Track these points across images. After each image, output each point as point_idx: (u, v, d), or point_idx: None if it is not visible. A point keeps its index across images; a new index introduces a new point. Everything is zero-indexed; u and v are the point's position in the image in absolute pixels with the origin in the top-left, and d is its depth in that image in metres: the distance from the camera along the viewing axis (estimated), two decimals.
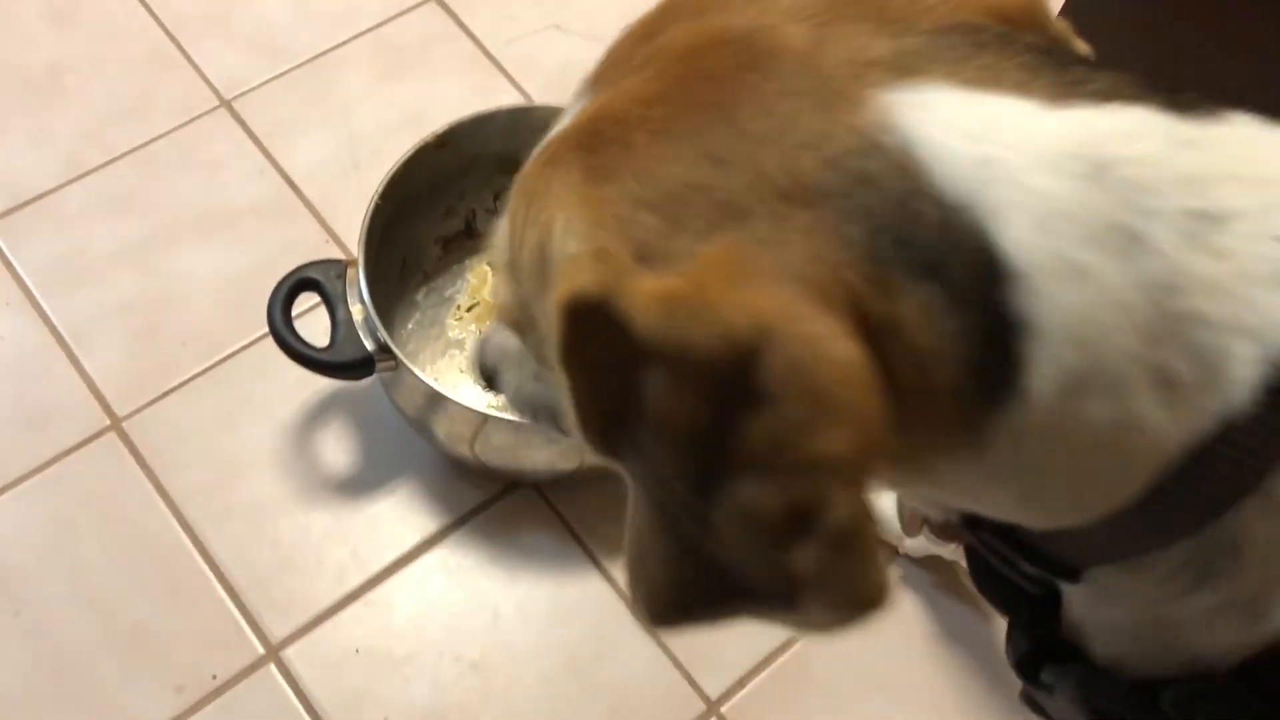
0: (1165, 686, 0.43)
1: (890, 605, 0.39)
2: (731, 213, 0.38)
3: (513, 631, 1.15)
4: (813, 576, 0.38)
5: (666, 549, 0.45)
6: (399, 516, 1.20)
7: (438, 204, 1.28)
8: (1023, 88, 0.38)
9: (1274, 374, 0.37)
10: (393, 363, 1.10)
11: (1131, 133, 0.37)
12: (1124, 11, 1.20)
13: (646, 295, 0.37)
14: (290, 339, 1.09)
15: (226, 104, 1.41)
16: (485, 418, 1.09)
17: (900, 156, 0.37)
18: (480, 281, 1.32)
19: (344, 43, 1.47)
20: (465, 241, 1.33)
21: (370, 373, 1.10)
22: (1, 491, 1.17)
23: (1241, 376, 0.37)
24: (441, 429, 1.15)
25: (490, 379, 0.67)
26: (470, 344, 1.28)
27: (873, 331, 0.37)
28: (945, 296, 0.37)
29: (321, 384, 1.22)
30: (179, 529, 1.16)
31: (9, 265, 1.28)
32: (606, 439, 0.43)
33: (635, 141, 0.40)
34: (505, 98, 1.44)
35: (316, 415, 1.24)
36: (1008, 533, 0.45)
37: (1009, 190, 0.36)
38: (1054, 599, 0.47)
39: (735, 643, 1.14)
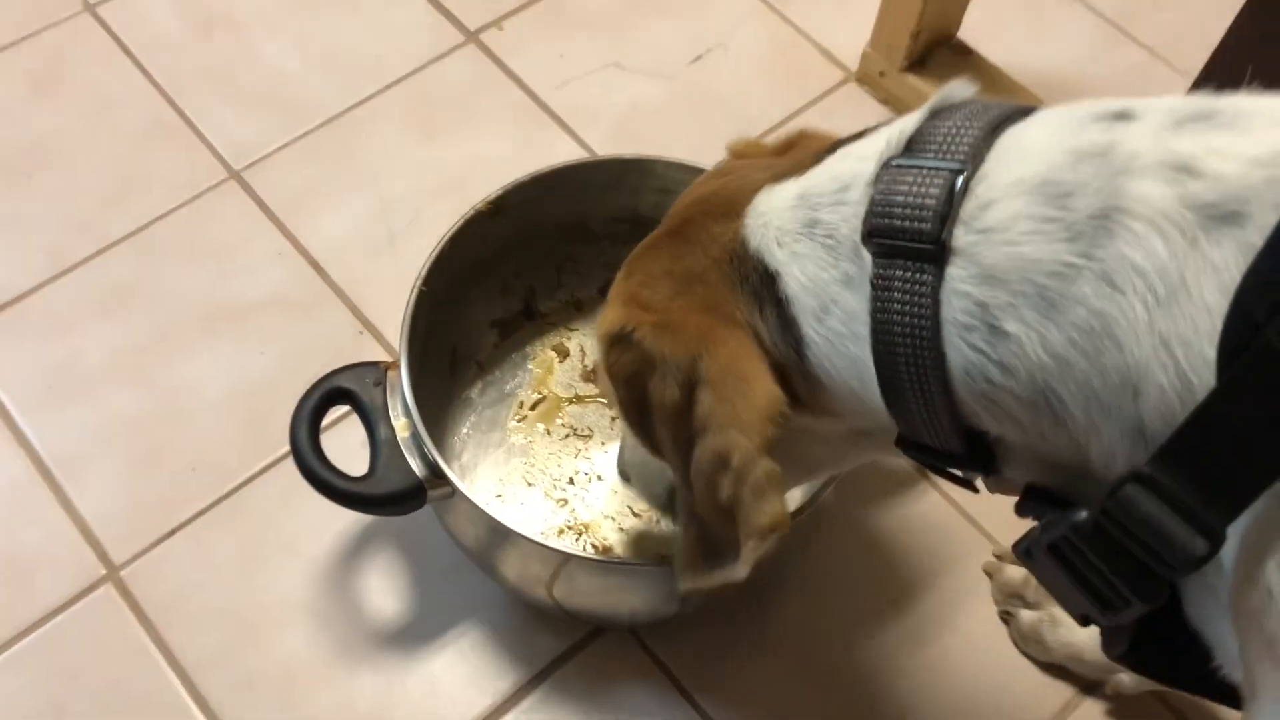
0: None
1: (785, 531, 0.61)
2: (684, 283, 0.64)
3: None
4: (729, 503, 0.62)
5: (684, 518, 0.70)
6: (464, 675, 0.96)
7: (491, 282, 1.06)
8: (798, 172, 0.63)
9: None
10: (448, 489, 0.87)
11: (835, 175, 0.61)
12: None
13: (646, 324, 0.64)
14: (319, 469, 0.86)
15: (236, 175, 1.20)
16: (566, 557, 0.86)
17: (740, 237, 0.63)
18: (545, 371, 1.09)
19: (370, 96, 1.26)
20: (525, 324, 1.10)
21: (420, 505, 0.88)
22: None
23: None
24: (511, 569, 0.92)
25: (625, 477, 1.00)
26: (537, 449, 1.05)
27: (755, 335, 0.62)
28: (775, 316, 0.61)
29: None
30: (191, 704, 0.94)
31: None
32: (643, 430, 0.68)
33: (645, 255, 0.68)
34: (561, 151, 1.23)
35: (355, 551, 1.01)
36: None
37: (767, 234, 0.62)
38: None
39: None
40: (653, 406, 0.64)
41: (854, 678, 0.98)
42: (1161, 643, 0.57)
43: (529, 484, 1.03)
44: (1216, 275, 0.47)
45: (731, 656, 0.98)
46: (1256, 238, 0.47)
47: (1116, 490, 0.50)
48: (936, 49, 1.25)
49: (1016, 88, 1.25)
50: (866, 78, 1.29)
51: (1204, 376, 0.48)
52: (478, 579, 0.97)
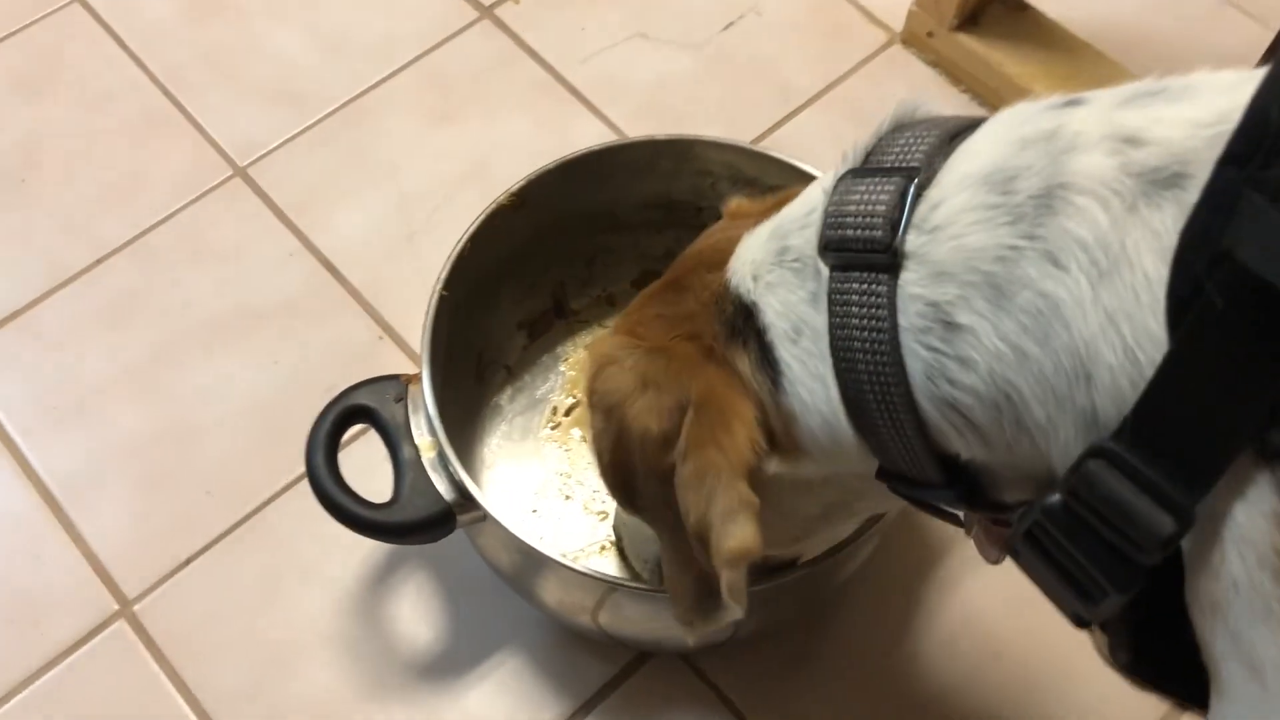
0: None
1: (749, 558, 0.58)
2: (675, 323, 0.63)
3: None
4: (700, 529, 0.60)
5: (670, 560, 0.68)
6: (504, 707, 0.89)
7: (517, 280, 0.98)
8: (776, 210, 0.64)
9: None
10: (479, 513, 0.80)
11: (805, 201, 0.61)
12: None
13: (640, 349, 0.63)
14: (339, 497, 0.79)
15: (241, 172, 1.12)
16: (612, 587, 0.79)
17: (724, 281, 0.62)
18: (579, 373, 1.01)
19: (381, 81, 1.17)
20: (556, 323, 1.02)
21: (449, 531, 0.81)
22: None
23: None
24: (551, 595, 0.85)
25: (618, 537, 0.94)
26: (574, 458, 0.97)
27: (736, 371, 0.60)
28: (756, 348, 0.60)
29: None
30: None
31: None
32: (617, 472, 0.66)
33: (642, 301, 0.67)
34: (586, 130, 1.14)
35: (384, 575, 0.94)
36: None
37: (744, 271, 0.62)
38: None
39: None
40: (633, 437, 0.62)
41: (922, 696, 0.91)
42: (1166, 653, 0.54)
43: (566, 497, 0.95)
44: (1156, 241, 0.46)
45: (788, 678, 0.91)
46: (1196, 196, 0.45)
47: (1079, 465, 0.48)
48: (990, 5, 1.15)
49: (1077, 43, 1.15)
50: (913, 39, 1.20)
51: (1150, 352, 0.46)
52: (514, 601, 0.90)
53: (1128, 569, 0.49)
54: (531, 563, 0.81)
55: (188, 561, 0.94)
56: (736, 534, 0.58)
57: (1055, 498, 0.50)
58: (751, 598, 0.79)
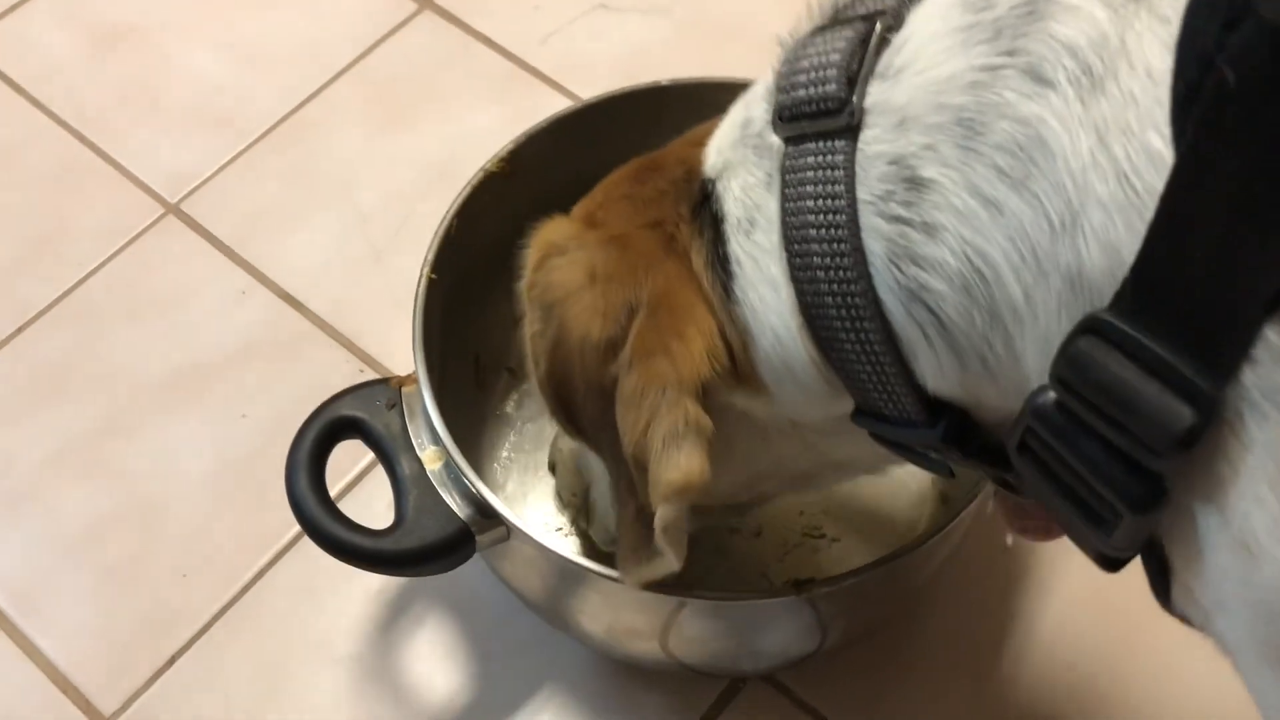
0: None
1: (691, 493, 0.49)
2: (642, 205, 0.53)
3: None
4: (639, 453, 0.50)
5: (615, 492, 0.56)
6: None
7: (513, 266, 0.85)
8: None
9: None
10: (501, 530, 0.67)
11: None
12: None
13: (592, 238, 0.54)
14: (331, 525, 0.66)
15: (174, 209, 0.98)
16: (680, 603, 0.66)
17: (700, 156, 0.53)
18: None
19: (317, 91, 1.04)
20: None
21: (467, 555, 0.67)
22: None
23: None
24: (598, 622, 0.72)
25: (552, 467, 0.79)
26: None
27: (693, 267, 0.51)
28: (712, 239, 0.50)
29: (396, 583, 0.79)
30: None
31: None
32: (553, 381, 0.55)
33: (614, 177, 0.58)
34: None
35: (400, 633, 0.79)
36: None
37: (712, 144, 0.53)
38: None
39: None
40: (573, 342, 0.52)
41: (1043, 695, 0.78)
42: None
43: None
44: (1165, 28, 0.36)
45: (885, 690, 0.78)
46: None
47: (1068, 346, 0.38)
48: None
49: None
50: None
51: (1150, 179, 0.36)
52: (552, 637, 0.76)
53: (1139, 480, 0.38)
54: (573, 583, 0.68)
55: (171, 661, 0.79)
56: (680, 463, 0.49)
57: (1047, 395, 0.40)
58: (831, 602, 0.68)
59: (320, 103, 1.03)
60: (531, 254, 0.56)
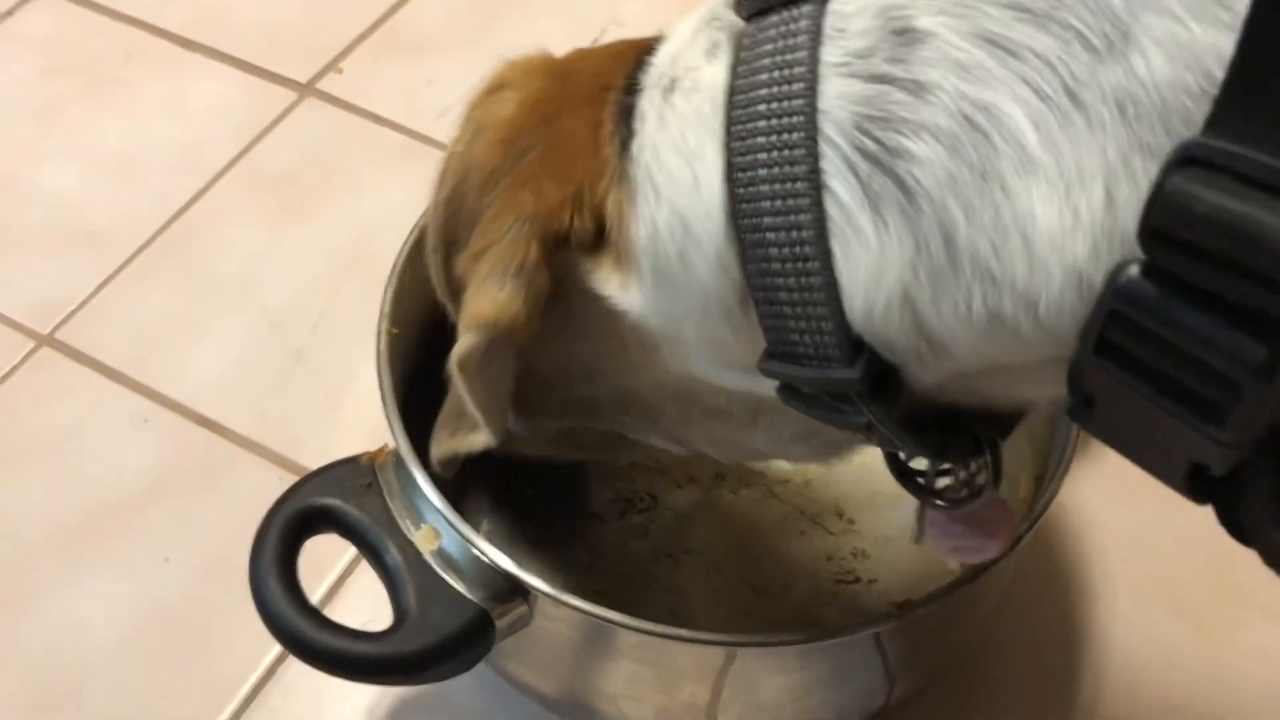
0: None
1: (496, 330, 0.43)
2: (607, 64, 0.46)
3: None
4: (465, 276, 0.45)
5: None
6: None
7: None
8: None
9: None
10: (523, 610, 0.56)
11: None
12: None
13: (539, 82, 0.47)
14: (317, 633, 0.54)
15: (49, 339, 0.84)
16: (730, 652, 0.56)
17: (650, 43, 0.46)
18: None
19: (200, 193, 0.93)
20: None
21: (488, 646, 0.56)
22: None
23: None
24: (647, 704, 0.60)
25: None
26: None
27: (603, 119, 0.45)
28: (620, 96, 0.44)
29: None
30: None
31: None
32: (441, 224, 0.49)
33: (609, 45, 0.49)
34: None
35: None
36: None
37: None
38: None
39: None
40: (472, 168, 0.47)
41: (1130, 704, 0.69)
42: None
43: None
44: None
45: None
46: None
47: (1157, 194, 0.30)
48: None
49: None
50: None
51: None
52: None
53: (1266, 333, 0.30)
54: (619, 655, 0.57)
55: None
56: (496, 296, 0.43)
57: (1132, 269, 0.32)
58: (903, 649, 0.59)
59: (204, 206, 0.92)
60: (490, 81, 0.50)
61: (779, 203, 0.38)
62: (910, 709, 0.67)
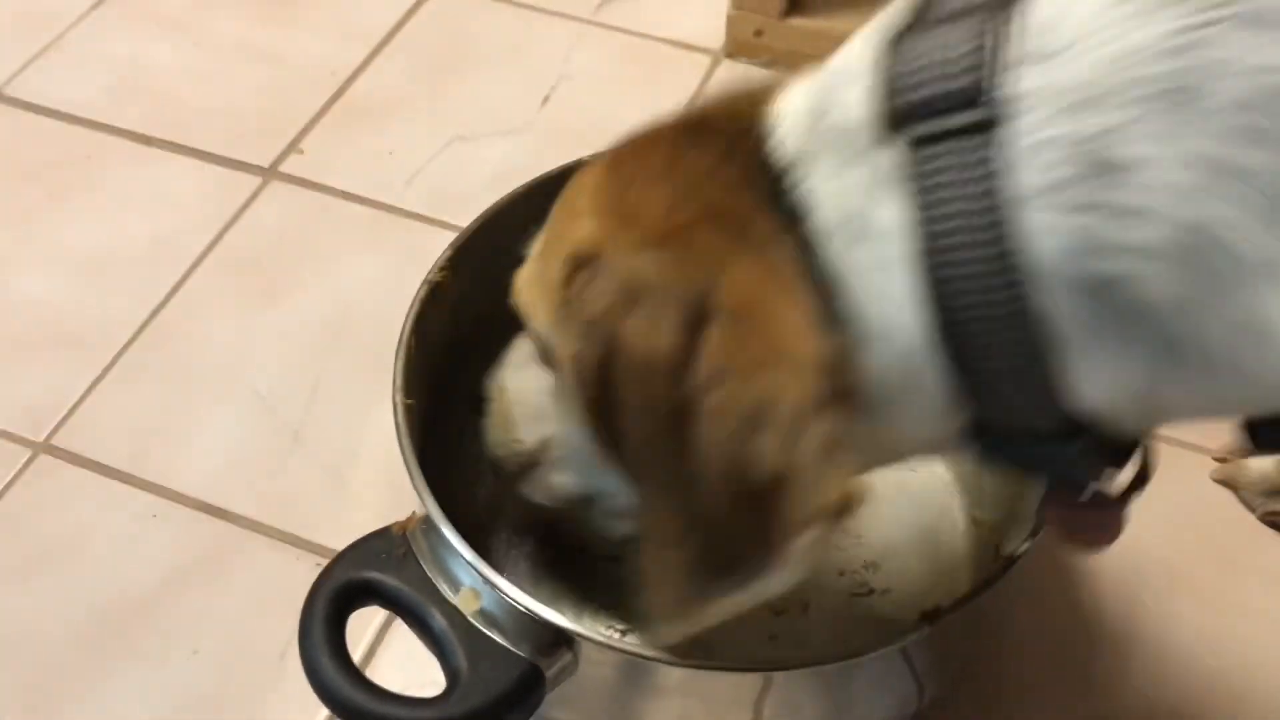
0: None
1: (860, 502, 0.44)
2: (691, 187, 0.45)
3: None
4: (774, 474, 0.43)
5: (653, 532, 0.48)
6: None
7: (481, 364, 0.75)
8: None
9: None
10: (568, 658, 0.58)
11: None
12: None
13: (630, 243, 0.45)
14: (381, 708, 0.56)
15: (45, 446, 0.85)
16: (765, 679, 0.58)
17: (769, 125, 0.46)
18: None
19: (176, 288, 0.93)
20: None
21: (540, 700, 0.58)
22: None
23: None
24: None
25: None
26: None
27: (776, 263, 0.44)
28: (792, 246, 0.44)
29: None
30: None
31: None
32: (600, 412, 0.47)
33: (638, 147, 0.50)
34: (442, 245, 0.94)
35: None
36: None
37: (784, 124, 0.46)
38: None
39: None
40: (632, 361, 0.45)
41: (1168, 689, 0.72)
42: None
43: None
44: None
45: None
46: None
47: None
48: None
49: None
50: (740, 47, 1.09)
51: None
52: None
53: None
54: (669, 695, 0.59)
55: None
56: (838, 481, 0.44)
57: None
58: (931, 656, 0.62)
59: (183, 298, 0.93)
60: (550, 263, 0.49)
61: (999, 335, 0.41)
62: (943, 712, 0.69)
